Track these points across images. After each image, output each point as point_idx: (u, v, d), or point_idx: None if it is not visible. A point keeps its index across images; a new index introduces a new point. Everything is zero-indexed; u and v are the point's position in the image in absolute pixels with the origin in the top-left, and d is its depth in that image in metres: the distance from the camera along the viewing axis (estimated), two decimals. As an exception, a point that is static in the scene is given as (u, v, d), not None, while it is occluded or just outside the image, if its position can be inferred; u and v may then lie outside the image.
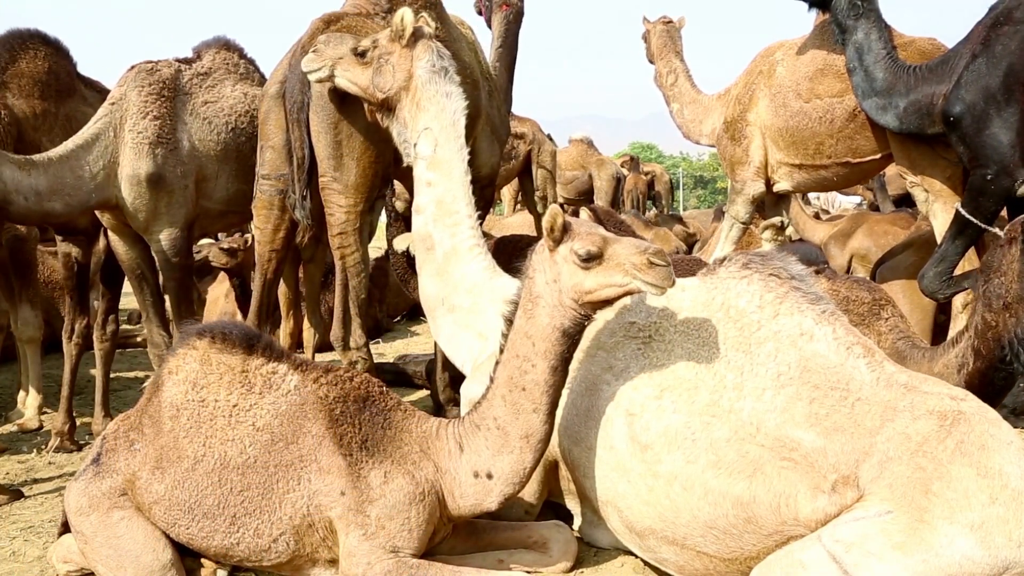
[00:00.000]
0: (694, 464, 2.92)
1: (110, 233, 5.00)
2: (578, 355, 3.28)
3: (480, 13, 5.91)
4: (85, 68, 5.56)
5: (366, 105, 4.14)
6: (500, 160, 5.58)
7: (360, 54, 3.91)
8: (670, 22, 6.96)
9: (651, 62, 7.00)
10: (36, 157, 4.45)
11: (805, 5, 5.47)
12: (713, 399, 2.98)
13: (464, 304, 3.81)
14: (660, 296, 2.93)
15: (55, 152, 4.53)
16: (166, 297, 5.23)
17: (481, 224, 5.78)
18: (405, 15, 3.86)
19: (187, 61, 5.17)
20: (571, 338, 2.97)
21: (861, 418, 2.80)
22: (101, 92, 5.22)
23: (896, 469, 2.67)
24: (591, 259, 2.85)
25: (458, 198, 3.87)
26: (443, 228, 3.87)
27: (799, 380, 2.91)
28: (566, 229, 2.92)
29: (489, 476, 3.06)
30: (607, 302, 2.94)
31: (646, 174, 19.86)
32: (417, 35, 3.90)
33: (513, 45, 5.81)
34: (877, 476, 2.69)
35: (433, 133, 3.87)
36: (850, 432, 2.78)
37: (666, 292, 2.86)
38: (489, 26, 5.80)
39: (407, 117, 3.93)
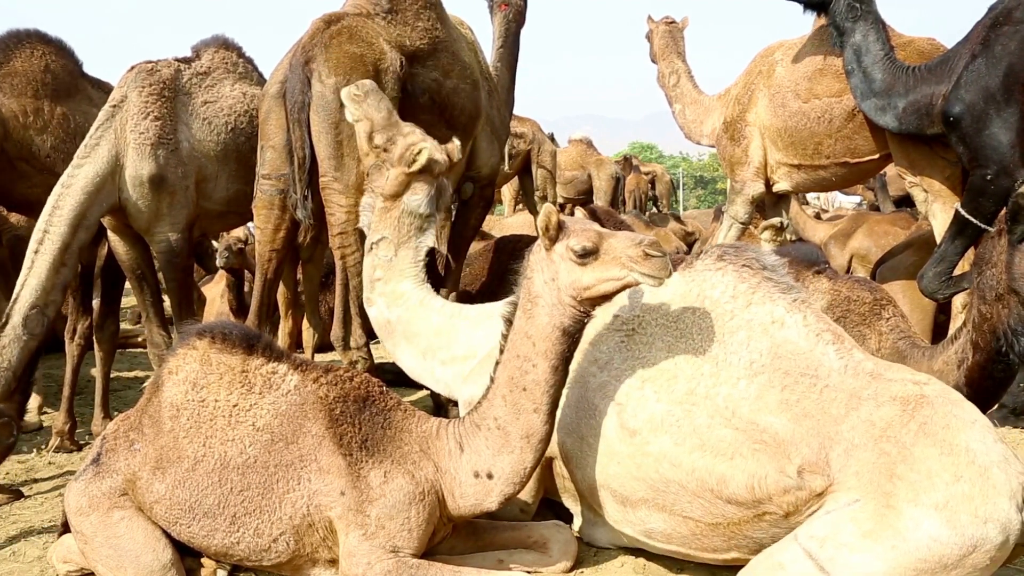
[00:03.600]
0: (681, 446, 2.97)
1: (110, 233, 4.99)
2: None
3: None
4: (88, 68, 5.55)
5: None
6: (500, 159, 5.58)
7: (372, 141, 3.84)
8: (673, 22, 6.97)
9: (654, 62, 7.02)
10: (42, 272, 4.35)
11: (800, 7, 5.47)
12: (691, 387, 3.02)
13: (440, 343, 3.86)
14: (658, 287, 2.93)
15: (69, 179, 4.52)
16: (166, 297, 5.23)
17: (480, 225, 5.81)
18: (424, 152, 3.75)
19: (186, 61, 5.15)
20: (571, 336, 2.97)
21: (828, 406, 2.83)
22: (108, 92, 5.21)
23: (861, 456, 2.69)
24: (587, 255, 2.86)
25: (406, 287, 3.89)
26: (396, 308, 3.91)
27: (771, 367, 2.95)
28: (561, 227, 2.93)
29: (489, 476, 3.06)
30: (606, 297, 2.94)
31: (646, 174, 19.88)
32: (424, 169, 3.80)
33: (514, 44, 5.80)
34: (844, 465, 2.71)
35: (394, 246, 3.87)
36: (817, 419, 2.81)
37: (664, 282, 2.86)
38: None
39: (380, 214, 3.88)
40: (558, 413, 3.30)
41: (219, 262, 6.89)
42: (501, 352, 3.07)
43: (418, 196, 3.83)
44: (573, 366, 3.29)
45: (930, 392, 2.80)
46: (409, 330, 3.91)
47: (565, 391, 3.28)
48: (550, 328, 2.94)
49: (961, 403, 2.79)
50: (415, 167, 3.77)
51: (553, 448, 3.39)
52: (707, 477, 2.91)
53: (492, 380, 3.09)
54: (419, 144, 3.79)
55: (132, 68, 4.94)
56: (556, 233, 2.92)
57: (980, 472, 2.56)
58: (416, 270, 3.91)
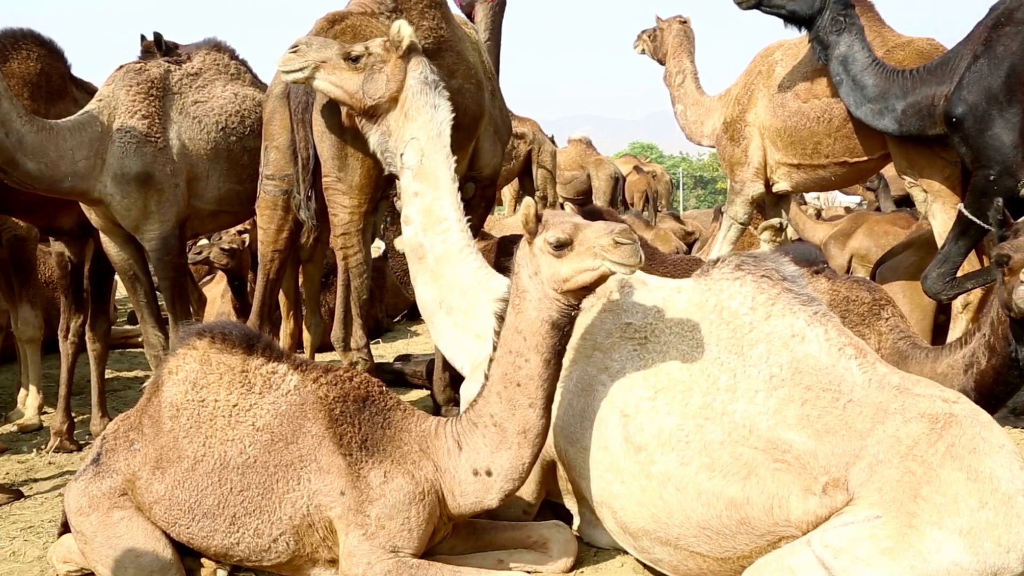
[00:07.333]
0: (687, 466, 2.92)
1: (101, 234, 4.96)
2: (574, 355, 3.30)
3: (460, 6, 5.84)
4: (78, 68, 5.54)
5: (344, 110, 4.13)
6: (502, 160, 5.57)
7: (353, 59, 3.90)
8: (685, 22, 6.98)
9: (660, 61, 7.02)
10: (34, 117, 4.40)
11: (782, 21, 5.48)
12: (706, 401, 2.98)
13: (461, 305, 3.83)
14: (629, 275, 2.91)
15: (48, 121, 4.51)
16: (160, 297, 5.20)
17: (481, 225, 5.81)
18: (403, 27, 3.89)
19: (177, 62, 5.14)
20: (561, 330, 2.97)
21: (852, 420, 2.79)
22: (93, 94, 5.19)
23: (886, 472, 2.66)
24: (562, 246, 2.86)
25: (446, 205, 3.88)
26: (433, 235, 3.88)
27: (791, 382, 2.91)
28: (540, 220, 2.94)
29: (488, 473, 3.06)
30: (586, 288, 2.93)
31: (647, 174, 19.85)
32: (412, 47, 3.93)
33: (498, 37, 5.78)
34: (867, 479, 2.68)
35: (420, 143, 3.89)
36: (841, 434, 2.77)
37: (634, 272, 2.85)
38: (469, 17, 5.75)
39: (393, 126, 3.94)
40: (563, 421, 3.29)
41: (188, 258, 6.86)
42: (494, 349, 3.08)
43: (419, 68, 3.94)
44: (582, 374, 3.27)
45: (959, 411, 2.76)
46: (439, 270, 3.86)
47: (572, 400, 3.27)
48: (539, 322, 2.94)
49: (989, 425, 2.77)
50: (405, 43, 3.89)
51: (554, 451, 3.38)
52: (715, 502, 2.86)
53: (486, 377, 3.09)
54: (393, 27, 3.89)
55: (121, 67, 4.94)
56: (535, 227, 2.93)
57: (1005, 500, 2.55)
58: (450, 178, 3.88)
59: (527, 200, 3.00)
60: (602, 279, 2.90)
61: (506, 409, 3.01)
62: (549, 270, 2.89)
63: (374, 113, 3.97)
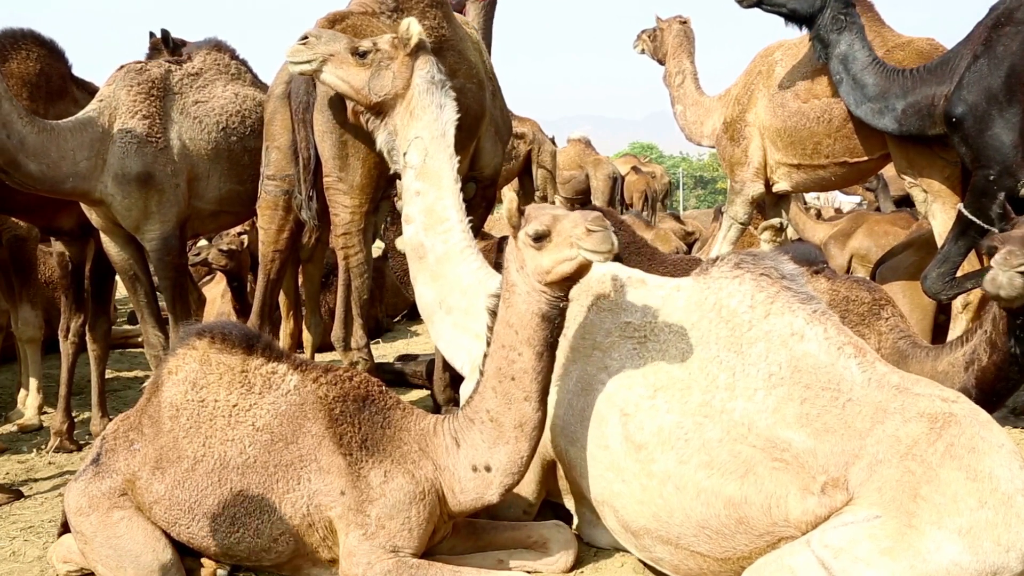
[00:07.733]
0: (687, 464, 2.92)
1: (102, 234, 4.97)
2: (574, 355, 3.30)
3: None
4: (79, 68, 5.53)
5: (350, 105, 4.13)
6: (503, 160, 5.58)
7: (361, 54, 3.90)
8: (685, 22, 6.99)
9: (660, 61, 7.03)
10: (35, 118, 4.40)
11: (783, 20, 5.49)
12: (705, 399, 2.97)
13: (461, 305, 3.82)
14: (603, 262, 2.91)
15: (49, 122, 4.52)
16: (160, 297, 5.21)
17: (482, 225, 5.81)
18: (412, 25, 3.88)
19: (178, 62, 5.14)
20: (551, 322, 2.97)
21: (852, 419, 2.79)
22: (93, 94, 5.20)
23: (885, 472, 2.66)
24: (541, 238, 2.87)
25: (448, 206, 3.87)
26: (435, 235, 3.87)
27: (790, 380, 2.90)
28: (522, 214, 2.96)
29: (487, 469, 3.06)
30: (568, 279, 2.92)
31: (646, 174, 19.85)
32: (420, 46, 3.93)
33: (490, 35, 5.79)
34: (866, 479, 2.68)
35: (424, 142, 3.88)
36: (840, 433, 2.77)
37: (609, 258, 2.84)
38: (459, 12, 5.75)
39: (398, 124, 3.94)
40: (563, 421, 3.29)
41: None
42: (488, 344, 3.08)
43: (426, 67, 3.93)
44: (581, 373, 3.27)
45: (958, 411, 2.76)
46: (439, 270, 3.85)
47: (572, 399, 3.27)
48: (529, 315, 2.95)
49: (989, 425, 2.76)
50: (413, 41, 3.88)
51: (554, 451, 3.38)
52: (713, 500, 2.85)
53: (481, 373, 3.09)
54: (402, 24, 3.88)
55: (122, 67, 4.94)
56: (518, 220, 2.96)
57: (1004, 500, 2.55)
58: (453, 178, 3.86)
59: (509, 194, 3.02)
60: (581, 268, 2.90)
61: (502, 404, 3.01)
62: (533, 263, 2.91)
63: (379, 110, 3.97)
